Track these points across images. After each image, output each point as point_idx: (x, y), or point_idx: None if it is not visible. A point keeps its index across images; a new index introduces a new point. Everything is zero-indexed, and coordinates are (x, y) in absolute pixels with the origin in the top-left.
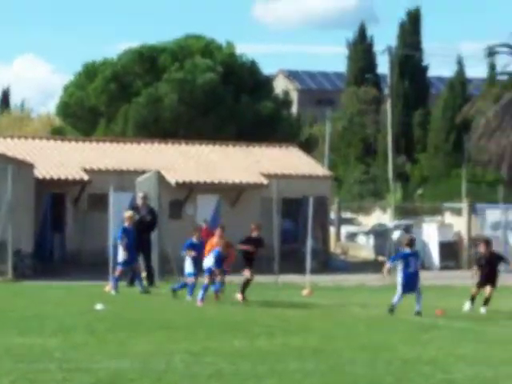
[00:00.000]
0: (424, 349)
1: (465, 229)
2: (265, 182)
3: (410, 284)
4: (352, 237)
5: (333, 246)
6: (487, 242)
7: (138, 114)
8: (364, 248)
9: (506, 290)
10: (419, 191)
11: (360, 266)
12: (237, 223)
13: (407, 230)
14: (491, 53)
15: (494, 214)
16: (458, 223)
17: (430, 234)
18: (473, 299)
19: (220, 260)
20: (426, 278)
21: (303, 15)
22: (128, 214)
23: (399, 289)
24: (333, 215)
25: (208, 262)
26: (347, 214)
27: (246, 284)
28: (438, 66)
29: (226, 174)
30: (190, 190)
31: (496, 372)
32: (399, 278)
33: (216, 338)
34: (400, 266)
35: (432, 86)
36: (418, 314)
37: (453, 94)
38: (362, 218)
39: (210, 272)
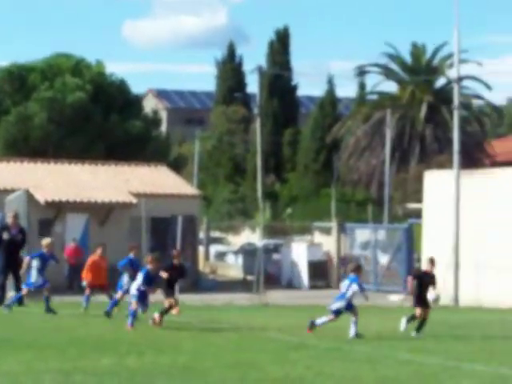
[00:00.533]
0: (293, 367)
1: (334, 248)
2: (134, 200)
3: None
4: (221, 256)
5: (202, 265)
6: (432, 261)
7: (8, 133)
8: (233, 267)
9: (375, 310)
10: (288, 210)
11: (229, 284)
12: (106, 242)
13: (276, 249)
14: (361, 72)
15: (363, 234)
16: (327, 242)
17: (300, 254)
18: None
19: (150, 279)
20: (295, 297)
21: (173, 34)
22: (47, 241)
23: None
24: (202, 234)
25: (136, 285)
26: (216, 234)
27: (168, 310)
28: (308, 85)
29: (95, 193)
30: (59, 208)
31: None
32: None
33: (86, 357)
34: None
35: (302, 105)
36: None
37: (323, 113)
38: (231, 238)
39: (138, 296)
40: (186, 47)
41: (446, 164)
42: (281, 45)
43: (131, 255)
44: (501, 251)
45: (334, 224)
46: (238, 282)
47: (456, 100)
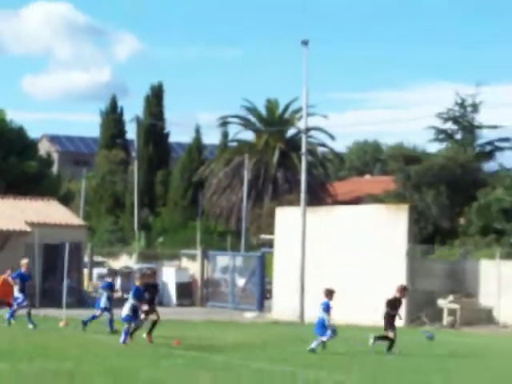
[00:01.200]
0: (167, 373)
1: (198, 272)
2: (28, 229)
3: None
4: (102, 277)
5: (86, 285)
6: (405, 288)
7: None
8: None
9: (232, 325)
10: (160, 239)
11: None
12: (3, 267)
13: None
14: (224, 123)
15: (223, 260)
16: (192, 267)
17: (169, 276)
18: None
19: (139, 294)
20: (164, 313)
21: (65, 88)
22: (24, 261)
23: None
24: (86, 259)
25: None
26: (98, 258)
27: (154, 324)
28: (179, 133)
29: None
30: None
31: None
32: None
33: None
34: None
35: (173, 150)
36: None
37: (190, 158)
38: (111, 262)
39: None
40: (76, 99)
41: (294, 202)
42: (156, 98)
43: (22, 270)
44: (338, 277)
45: (198, 251)
46: (116, 300)
47: (304, 147)
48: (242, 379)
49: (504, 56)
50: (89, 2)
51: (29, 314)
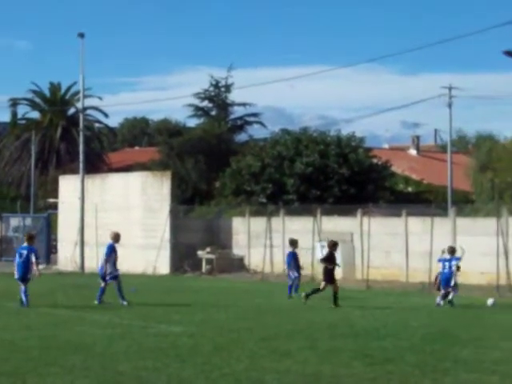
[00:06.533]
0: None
1: None
2: None
3: None
4: None
5: None
6: (335, 244)
7: None
8: None
9: None
10: None
11: None
12: None
13: None
14: (14, 104)
15: (15, 221)
16: None
17: None
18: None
19: None
20: None
21: None
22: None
23: None
24: None
25: None
26: None
27: None
28: None
29: None
30: None
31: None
32: None
33: None
34: None
35: None
36: None
37: None
38: None
39: None
40: None
41: (75, 170)
42: None
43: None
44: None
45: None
46: None
47: (81, 124)
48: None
49: (251, 43)
50: None
51: None
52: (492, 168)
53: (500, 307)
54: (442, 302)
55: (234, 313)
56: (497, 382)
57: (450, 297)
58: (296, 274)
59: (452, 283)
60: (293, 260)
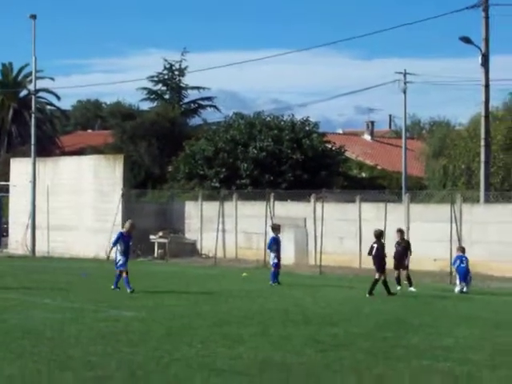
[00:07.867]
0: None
1: None
2: None
3: None
4: None
5: None
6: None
7: None
8: None
9: None
10: None
11: None
12: None
13: None
14: None
15: None
16: None
17: None
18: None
19: None
20: None
21: None
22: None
23: None
24: None
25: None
26: None
27: None
28: None
29: None
30: None
31: None
32: None
33: None
34: None
35: None
36: None
37: None
38: None
39: None
40: None
41: (27, 153)
42: None
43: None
44: (64, 218)
45: None
46: None
47: (33, 106)
48: None
49: (204, 27)
50: None
51: None
52: (446, 154)
53: (453, 295)
54: (465, 289)
55: (185, 298)
56: (449, 369)
57: (465, 289)
58: (275, 261)
59: (468, 278)
60: (274, 244)
